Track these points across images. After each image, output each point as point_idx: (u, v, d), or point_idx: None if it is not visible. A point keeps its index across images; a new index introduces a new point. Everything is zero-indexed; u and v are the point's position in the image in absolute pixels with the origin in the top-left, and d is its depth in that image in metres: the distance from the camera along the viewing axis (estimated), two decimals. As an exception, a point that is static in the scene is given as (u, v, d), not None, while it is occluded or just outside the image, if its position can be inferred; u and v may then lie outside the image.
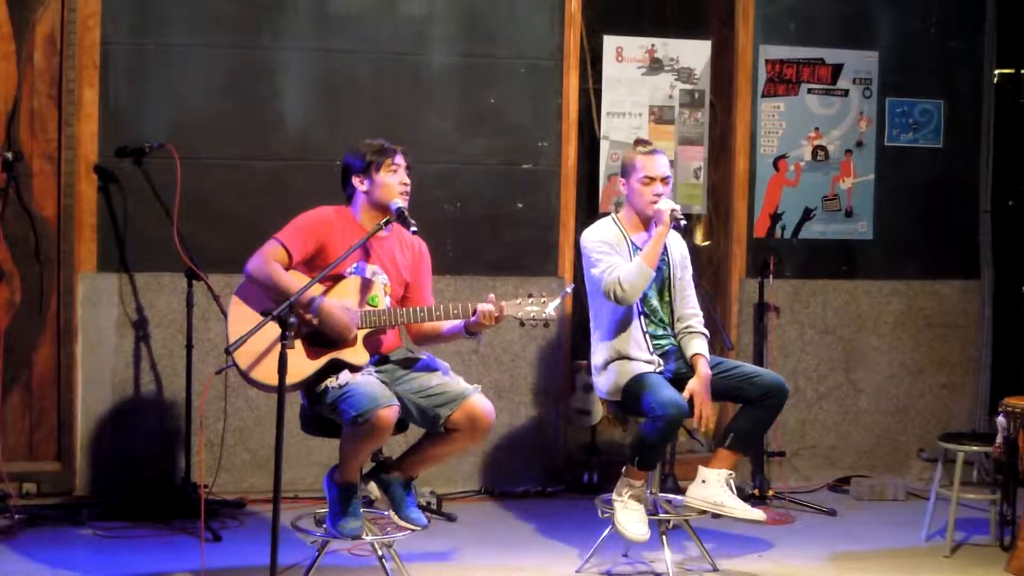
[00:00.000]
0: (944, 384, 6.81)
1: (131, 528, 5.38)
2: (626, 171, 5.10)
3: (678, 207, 5.01)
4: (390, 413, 4.33)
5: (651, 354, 5.02)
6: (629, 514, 4.87)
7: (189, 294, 5.59)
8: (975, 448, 5.54)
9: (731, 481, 4.94)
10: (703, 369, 4.99)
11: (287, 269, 4.51)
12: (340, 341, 4.48)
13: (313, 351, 4.49)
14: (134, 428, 5.86)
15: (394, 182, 4.63)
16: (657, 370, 4.99)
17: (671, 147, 6.47)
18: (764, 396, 4.93)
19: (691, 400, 4.91)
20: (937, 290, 6.80)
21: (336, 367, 4.48)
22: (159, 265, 5.81)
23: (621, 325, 5.03)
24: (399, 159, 4.67)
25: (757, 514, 4.93)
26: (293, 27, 5.99)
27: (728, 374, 5.03)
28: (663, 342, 5.09)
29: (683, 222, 4.99)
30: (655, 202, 5.00)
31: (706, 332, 5.14)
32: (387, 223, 4.59)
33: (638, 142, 5.15)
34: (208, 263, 5.64)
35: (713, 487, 4.91)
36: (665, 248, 5.09)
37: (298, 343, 4.42)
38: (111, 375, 5.84)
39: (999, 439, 5.15)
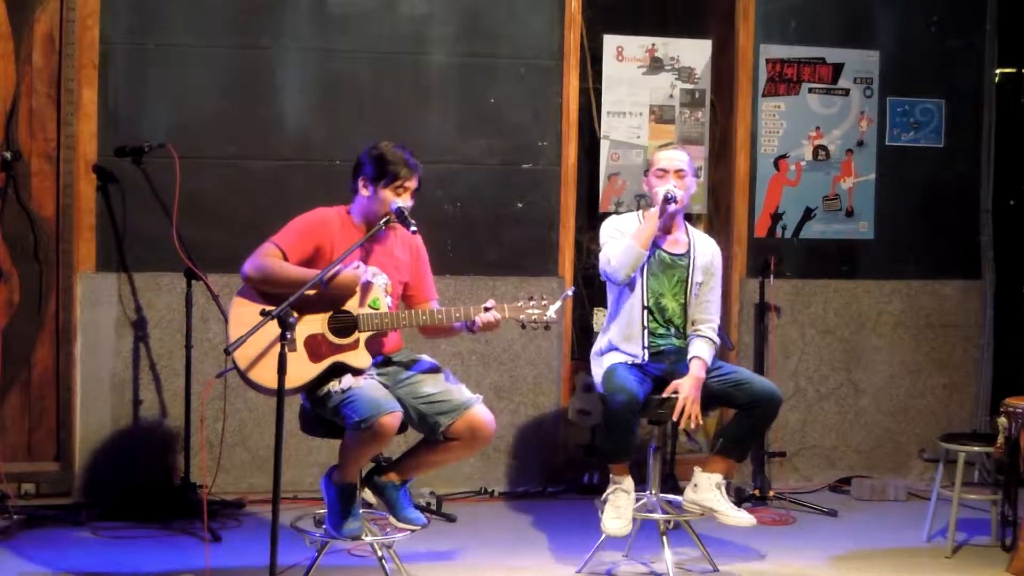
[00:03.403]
0: (945, 384, 6.81)
1: (130, 528, 5.37)
2: (647, 170, 5.18)
3: (674, 189, 5.01)
4: (393, 420, 4.32)
5: (642, 349, 5.02)
6: (610, 511, 4.88)
7: (188, 294, 5.58)
8: (976, 448, 5.54)
9: (722, 486, 4.94)
10: (696, 371, 4.97)
11: None
12: (347, 295, 4.46)
13: (315, 354, 4.47)
14: (133, 428, 5.86)
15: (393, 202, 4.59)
16: (633, 361, 5.00)
17: (671, 147, 6.47)
18: (752, 404, 4.91)
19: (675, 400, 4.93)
20: (938, 290, 6.79)
21: (338, 370, 4.47)
22: (158, 265, 5.80)
23: (622, 317, 5.06)
24: (410, 183, 4.60)
25: (746, 520, 4.92)
26: (293, 27, 5.99)
27: (722, 378, 5.02)
28: (661, 341, 5.08)
29: (671, 195, 4.98)
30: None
31: (715, 339, 5.09)
32: (387, 223, 4.57)
33: (662, 145, 5.25)
34: (207, 263, 5.63)
35: (704, 491, 4.93)
36: (689, 250, 5.10)
37: (300, 347, 4.42)
38: (110, 375, 5.83)
39: (1000, 439, 5.15)
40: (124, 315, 5.85)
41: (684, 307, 5.11)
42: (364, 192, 4.63)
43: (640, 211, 5.21)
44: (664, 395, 4.94)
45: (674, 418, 4.93)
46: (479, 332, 4.59)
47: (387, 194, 4.58)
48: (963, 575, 5.13)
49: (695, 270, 5.12)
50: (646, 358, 5.03)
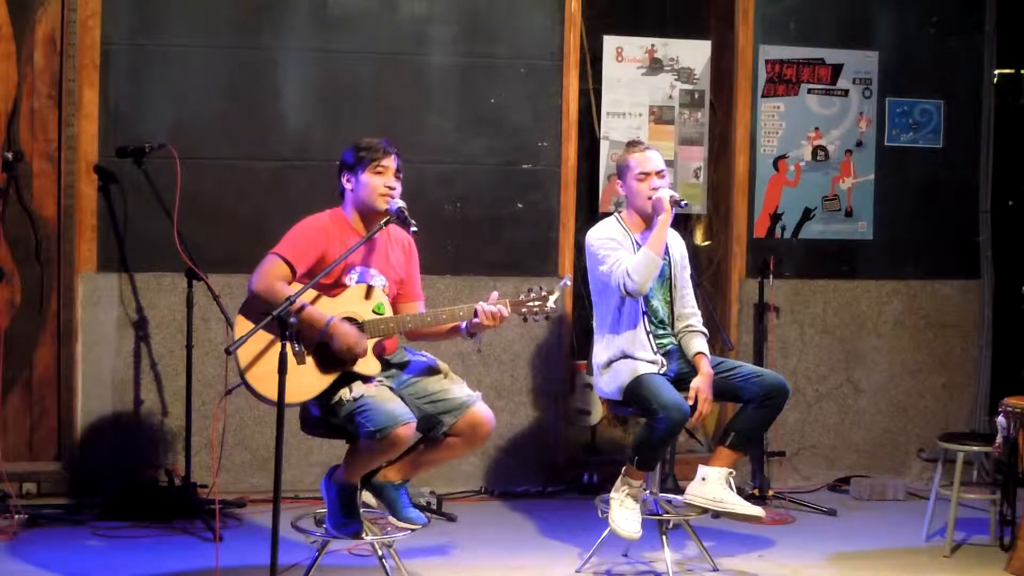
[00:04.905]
0: (944, 384, 6.81)
1: (131, 528, 5.38)
2: (621, 172, 5.15)
3: (674, 192, 5.03)
4: (408, 431, 4.33)
5: (655, 354, 5.02)
6: (624, 512, 4.88)
7: (189, 294, 5.59)
8: (975, 448, 5.54)
9: (731, 479, 4.95)
10: (707, 368, 5.01)
11: (291, 282, 4.48)
12: (348, 360, 4.46)
13: (325, 366, 4.48)
14: (134, 428, 5.87)
15: (378, 184, 4.58)
16: (661, 371, 4.99)
17: (671, 147, 6.48)
18: (766, 396, 4.94)
19: (694, 400, 4.93)
20: (937, 290, 6.80)
21: (348, 377, 4.47)
22: (159, 265, 5.81)
23: (625, 324, 5.04)
24: (388, 162, 4.60)
25: (757, 511, 4.95)
26: (293, 27, 5.99)
27: (730, 374, 5.04)
28: (664, 342, 5.10)
29: (684, 202, 5.02)
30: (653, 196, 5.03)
31: (705, 331, 5.16)
32: (387, 223, 4.57)
33: (629, 143, 5.22)
34: (208, 263, 5.64)
35: (713, 485, 4.91)
36: (666, 248, 5.11)
37: (309, 359, 4.43)
38: (111, 375, 5.84)
39: (999, 439, 5.15)
40: (125, 315, 5.86)
41: (670, 304, 5.14)
42: (348, 185, 4.65)
43: (616, 215, 5.20)
44: (691, 401, 4.93)
45: (694, 422, 4.97)
46: (477, 330, 4.58)
47: (368, 177, 4.58)
48: (962, 574, 5.13)
49: (675, 266, 5.15)
50: (663, 363, 5.04)
